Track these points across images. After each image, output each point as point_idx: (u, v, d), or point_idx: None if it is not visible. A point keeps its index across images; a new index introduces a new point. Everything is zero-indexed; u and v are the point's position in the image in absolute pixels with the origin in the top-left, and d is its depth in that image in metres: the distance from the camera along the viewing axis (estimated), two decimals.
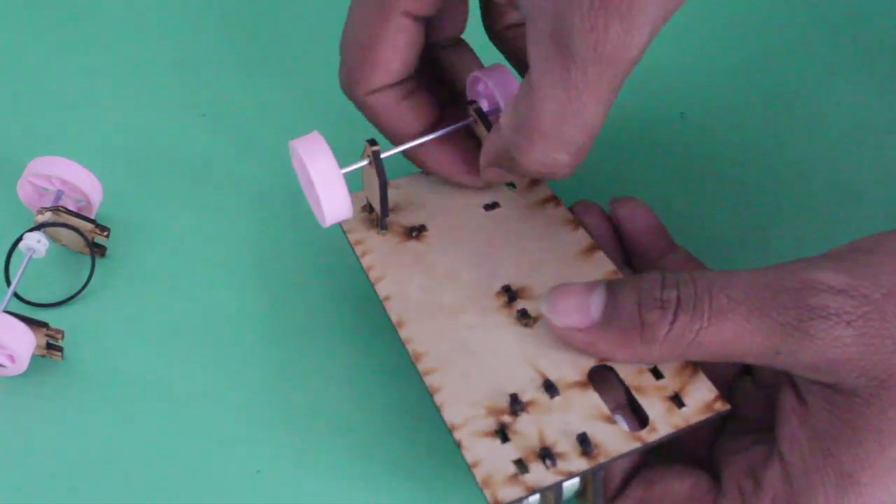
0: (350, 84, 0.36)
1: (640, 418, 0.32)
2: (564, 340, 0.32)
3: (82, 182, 0.42)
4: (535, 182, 0.39)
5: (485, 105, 0.37)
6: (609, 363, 0.32)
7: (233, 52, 0.52)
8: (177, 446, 0.37)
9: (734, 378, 0.34)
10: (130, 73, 0.51)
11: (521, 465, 0.30)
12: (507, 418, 0.31)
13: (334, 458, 0.37)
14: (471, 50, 0.39)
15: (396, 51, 0.35)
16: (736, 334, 0.29)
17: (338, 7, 0.39)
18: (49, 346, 0.39)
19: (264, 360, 0.40)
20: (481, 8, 0.38)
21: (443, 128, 0.37)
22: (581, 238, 0.37)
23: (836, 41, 0.52)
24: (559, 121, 0.31)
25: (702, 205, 0.45)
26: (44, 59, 0.52)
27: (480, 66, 0.38)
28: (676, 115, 0.49)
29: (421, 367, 0.33)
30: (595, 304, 0.31)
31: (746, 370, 0.34)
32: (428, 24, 0.36)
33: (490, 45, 0.39)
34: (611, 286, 0.32)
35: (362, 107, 0.37)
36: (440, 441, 0.35)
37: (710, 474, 0.32)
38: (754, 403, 0.33)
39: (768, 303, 0.29)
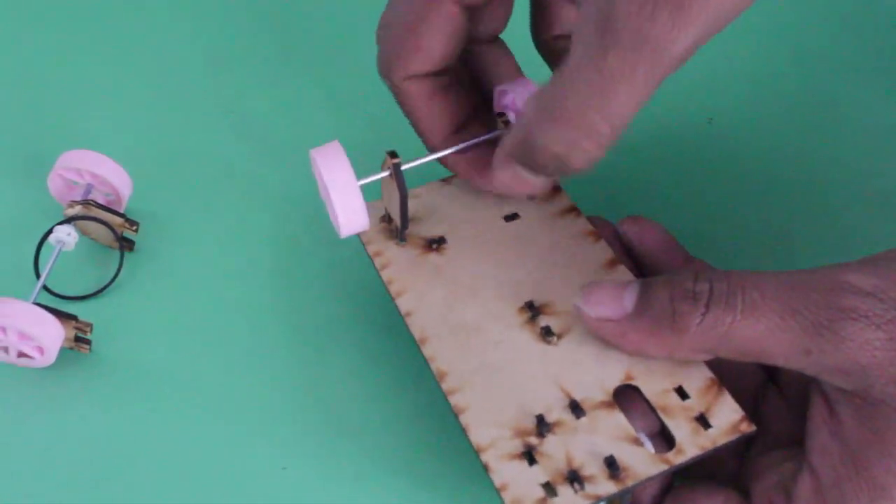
0: (388, 66, 0.36)
1: (665, 439, 0.31)
2: (595, 332, 0.33)
3: (112, 176, 0.43)
4: (554, 191, 0.39)
5: (512, 118, 0.37)
6: (635, 382, 0.32)
7: (261, 53, 0.52)
8: (203, 441, 0.37)
9: (759, 388, 0.34)
10: (161, 70, 0.51)
11: (549, 488, 0.30)
12: (533, 440, 0.31)
13: (360, 457, 0.37)
14: (508, 51, 0.38)
15: (440, 38, 0.34)
16: (768, 330, 0.29)
17: (366, 10, 0.39)
18: (77, 339, 0.39)
19: (290, 356, 0.40)
20: (531, 13, 0.37)
21: (471, 133, 0.37)
22: (603, 250, 0.36)
23: (864, 47, 0.52)
24: (586, 104, 0.29)
25: (728, 209, 0.45)
26: (76, 54, 0.52)
27: (516, 69, 0.38)
28: (704, 120, 0.48)
29: (445, 386, 0.33)
30: (628, 297, 0.32)
31: (771, 379, 0.34)
32: (471, 16, 0.35)
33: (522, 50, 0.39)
34: (644, 282, 0.32)
35: (397, 92, 0.36)
36: (461, 443, 0.35)
37: (739, 490, 0.32)
38: (781, 414, 0.33)
39: (800, 301, 0.29)
